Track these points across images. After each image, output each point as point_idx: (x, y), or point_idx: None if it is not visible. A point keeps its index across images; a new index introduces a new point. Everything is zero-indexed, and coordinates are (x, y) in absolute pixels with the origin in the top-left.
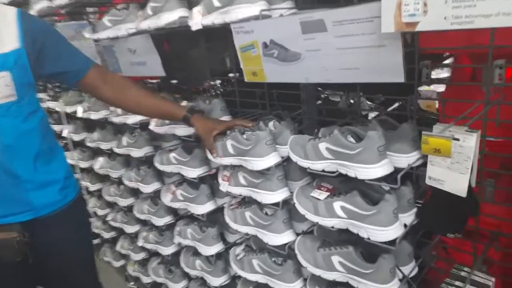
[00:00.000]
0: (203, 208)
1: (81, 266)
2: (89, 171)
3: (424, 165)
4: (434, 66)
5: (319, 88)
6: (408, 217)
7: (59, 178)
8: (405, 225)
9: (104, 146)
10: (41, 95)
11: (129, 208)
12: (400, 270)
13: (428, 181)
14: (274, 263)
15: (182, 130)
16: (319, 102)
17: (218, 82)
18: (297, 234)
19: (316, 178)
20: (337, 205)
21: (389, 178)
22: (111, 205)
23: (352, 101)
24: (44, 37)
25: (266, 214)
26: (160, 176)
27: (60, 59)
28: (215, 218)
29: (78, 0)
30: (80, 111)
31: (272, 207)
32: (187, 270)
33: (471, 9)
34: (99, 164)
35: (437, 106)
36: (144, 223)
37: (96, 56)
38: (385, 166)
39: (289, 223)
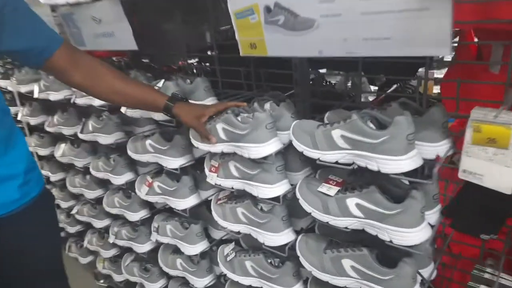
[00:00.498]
0: (185, 203)
1: (46, 275)
2: (49, 158)
3: None
4: None
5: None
6: (433, 215)
7: (18, 172)
8: (430, 225)
9: (66, 131)
10: None
11: (97, 201)
12: (420, 275)
13: (461, 175)
14: (270, 265)
15: (162, 114)
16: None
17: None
18: (296, 232)
19: (319, 169)
20: (352, 202)
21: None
22: (76, 197)
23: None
24: (1, 5)
25: (262, 210)
26: (133, 165)
27: (20, 33)
28: (197, 211)
29: None
30: (36, 91)
31: (270, 202)
32: (166, 269)
33: None
34: (61, 151)
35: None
36: (115, 217)
37: (54, 28)
38: (414, 158)
39: (288, 220)
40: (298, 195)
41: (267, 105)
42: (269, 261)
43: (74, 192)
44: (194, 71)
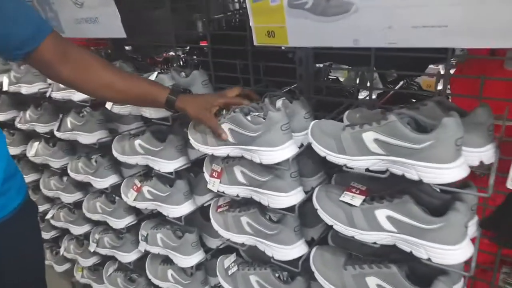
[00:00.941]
0: (180, 210)
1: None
2: (20, 158)
3: None
4: None
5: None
6: (471, 228)
7: None
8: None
9: (40, 128)
10: None
11: (76, 205)
12: None
13: (510, 185)
14: (278, 279)
15: (155, 112)
16: None
17: (182, 51)
18: (307, 243)
19: (334, 174)
20: (382, 214)
21: None
22: (52, 200)
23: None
24: None
25: (270, 219)
26: (117, 166)
27: (2, 19)
28: (190, 217)
29: None
30: (6, 83)
31: (281, 212)
32: (155, 281)
33: None
34: (34, 150)
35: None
36: (96, 223)
37: None
38: (463, 166)
39: (300, 231)
40: (316, 205)
41: (278, 102)
42: (277, 275)
43: (49, 195)
44: (180, 63)
